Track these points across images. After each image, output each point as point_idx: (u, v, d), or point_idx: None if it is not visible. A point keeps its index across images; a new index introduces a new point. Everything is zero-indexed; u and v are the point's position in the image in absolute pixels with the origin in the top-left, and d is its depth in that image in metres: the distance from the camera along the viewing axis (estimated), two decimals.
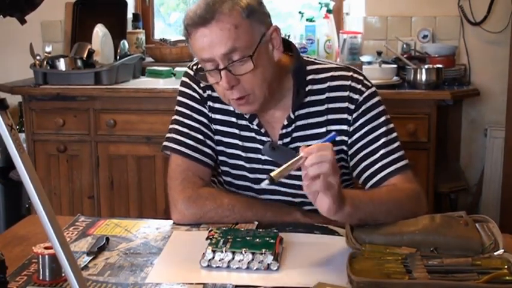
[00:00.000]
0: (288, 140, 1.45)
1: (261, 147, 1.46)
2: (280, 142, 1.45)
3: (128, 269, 1.16)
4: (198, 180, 1.44)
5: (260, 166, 1.48)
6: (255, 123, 1.45)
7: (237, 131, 1.48)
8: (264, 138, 1.45)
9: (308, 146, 1.14)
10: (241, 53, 1.30)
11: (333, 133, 1.20)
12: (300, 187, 1.44)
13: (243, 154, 1.48)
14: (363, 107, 1.42)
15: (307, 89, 1.44)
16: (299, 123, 1.44)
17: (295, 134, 1.45)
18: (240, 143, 1.48)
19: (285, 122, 1.43)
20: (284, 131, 1.44)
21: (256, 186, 1.49)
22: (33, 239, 1.29)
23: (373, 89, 1.45)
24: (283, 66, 1.42)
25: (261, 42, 1.33)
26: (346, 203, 1.17)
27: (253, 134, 1.46)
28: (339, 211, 1.16)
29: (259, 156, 1.47)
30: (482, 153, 3.05)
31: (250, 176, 1.49)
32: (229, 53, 1.29)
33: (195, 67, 1.49)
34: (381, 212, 1.25)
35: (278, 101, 1.44)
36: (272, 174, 1.11)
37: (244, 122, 1.47)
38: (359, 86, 1.43)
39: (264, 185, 1.13)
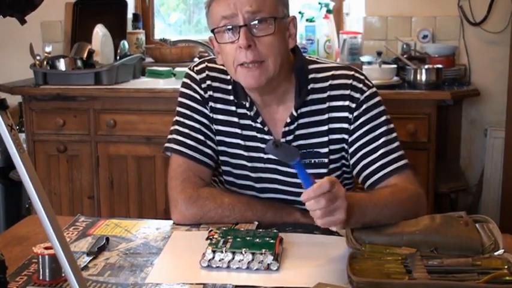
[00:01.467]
0: (290, 137, 1.45)
1: (263, 146, 1.46)
2: (283, 140, 1.45)
3: (128, 269, 1.16)
4: (198, 181, 1.44)
5: (262, 165, 1.48)
6: (258, 121, 1.45)
7: (239, 131, 1.48)
8: (266, 136, 1.46)
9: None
10: (265, 15, 1.33)
11: (297, 160, 1.19)
12: (302, 186, 1.45)
13: (245, 153, 1.48)
14: (364, 106, 1.43)
15: (309, 87, 1.44)
16: (301, 121, 1.44)
17: (297, 132, 1.45)
18: (242, 142, 1.48)
19: (288, 120, 1.44)
20: (287, 128, 1.44)
21: (258, 185, 1.50)
22: (33, 239, 1.29)
23: (374, 89, 1.46)
24: (288, 63, 1.43)
25: (283, 20, 1.37)
26: (353, 212, 1.18)
27: (255, 133, 1.47)
28: (346, 223, 1.18)
29: (261, 155, 1.47)
30: (482, 153, 3.05)
31: (252, 175, 1.49)
32: (254, 13, 1.32)
33: (202, 64, 1.50)
34: (384, 216, 1.25)
35: (281, 99, 1.44)
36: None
37: (246, 122, 1.47)
38: (360, 85, 1.44)
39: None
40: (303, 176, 1.17)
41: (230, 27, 1.34)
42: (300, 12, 3.08)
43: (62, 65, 2.87)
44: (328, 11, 3.06)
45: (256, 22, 1.33)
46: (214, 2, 1.36)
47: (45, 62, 2.88)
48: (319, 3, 3.09)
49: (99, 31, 2.94)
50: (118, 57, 2.97)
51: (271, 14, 1.34)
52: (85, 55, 2.87)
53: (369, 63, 2.79)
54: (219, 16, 1.35)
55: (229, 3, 1.33)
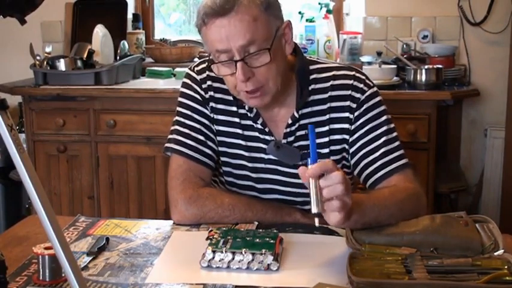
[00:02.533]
0: (292, 138, 1.45)
1: (264, 146, 1.46)
2: (284, 141, 1.45)
3: (128, 269, 1.16)
4: (198, 181, 1.44)
5: (263, 165, 1.48)
6: (259, 122, 1.45)
7: (240, 131, 1.48)
8: (267, 137, 1.46)
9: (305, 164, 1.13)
10: (259, 46, 1.30)
11: (310, 126, 1.17)
12: (302, 186, 1.45)
13: (246, 154, 1.48)
14: (365, 106, 1.43)
15: (310, 88, 1.44)
16: (303, 122, 1.44)
17: (299, 133, 1.45)
18: (243, 142, 1.48)
19: (289, 121, 1.44)
20: (288, 129, 1.44)
21: (258, 186, 1.50)
22: (33, 239, 1.29)
23: (375, 89, 1.46)
24: (289, 64, 1.43)
25: (276, 35, 1.34)
26: (354, 211, 1.17)
27: (256, 134, 1.47)
28: (346, 221, 1.16)
29: (262, 155, 1.47)
30: (482, 153, 3.05)
31: (253, 175, 1.49)
32: (247, 45, 1.30)
33: (203, 64, 1.49)
34: (384, 216, 1.24)
35: (282, 100, 1.44)
36: (314, 210, 1.10)
37: (247, 122, 1.47)
38: (361, 85, 1.44)
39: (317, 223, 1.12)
40: (313, 145, 1.13)
41: (226, 61, 1.32)
42: (300, 12, 3.08)
43: (62, 65, 2.87)
44: (328, 11, 3.06)
45: (251, 55, 1.31)
46: (204, 28, 1.32)
47: (45, 62, 2.88)
48: (319, 3, 3.09)
49: (99, 31, 2.94)
50: (118, 58, 2.97)
51: (263, 45, 1.30)
52: (85, 55, 2.88)
53: (369, 63, 2.79)
54: (214, 48, 1.33)
55: (221, 38, 1.29)
